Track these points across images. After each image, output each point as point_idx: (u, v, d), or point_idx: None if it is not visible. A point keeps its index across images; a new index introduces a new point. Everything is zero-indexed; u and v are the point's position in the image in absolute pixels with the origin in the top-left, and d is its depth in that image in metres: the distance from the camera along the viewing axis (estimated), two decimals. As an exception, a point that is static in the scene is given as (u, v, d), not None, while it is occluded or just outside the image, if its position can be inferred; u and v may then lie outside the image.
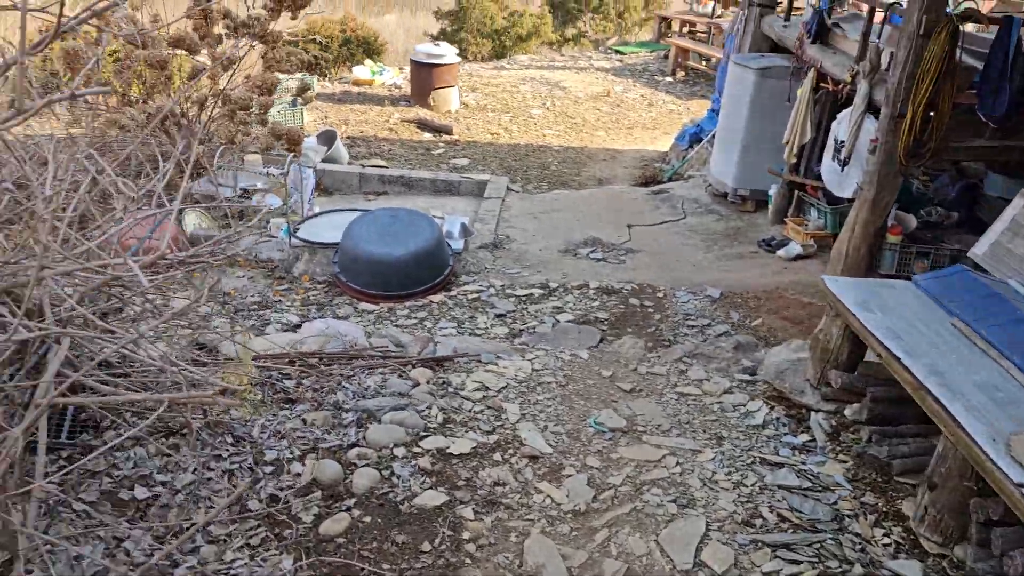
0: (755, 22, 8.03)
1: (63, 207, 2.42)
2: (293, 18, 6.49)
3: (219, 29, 6.81)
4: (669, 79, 12.85)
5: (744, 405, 4.19)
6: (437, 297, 5.70)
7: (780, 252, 6.80)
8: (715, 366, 4.61)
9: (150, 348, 3.35)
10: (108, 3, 2.28)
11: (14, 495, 2.33)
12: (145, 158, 5.15)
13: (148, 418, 3.51)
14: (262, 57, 6.78)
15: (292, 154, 6.24)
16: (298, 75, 7.79)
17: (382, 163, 8.72)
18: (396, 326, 5.21)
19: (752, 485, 3.55)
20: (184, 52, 6.26)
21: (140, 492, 3.16)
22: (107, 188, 2.53)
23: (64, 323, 2.52)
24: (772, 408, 4.16)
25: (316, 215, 6.57)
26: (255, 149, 6.32)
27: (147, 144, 5.35)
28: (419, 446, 3.60)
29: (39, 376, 2.99)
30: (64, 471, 2.91)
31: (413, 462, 3.49)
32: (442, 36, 15.02)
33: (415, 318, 5.38)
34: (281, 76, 7.01)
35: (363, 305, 5.57)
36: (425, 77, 10.40)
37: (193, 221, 5.90)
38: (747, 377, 4.47)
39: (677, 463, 3.66)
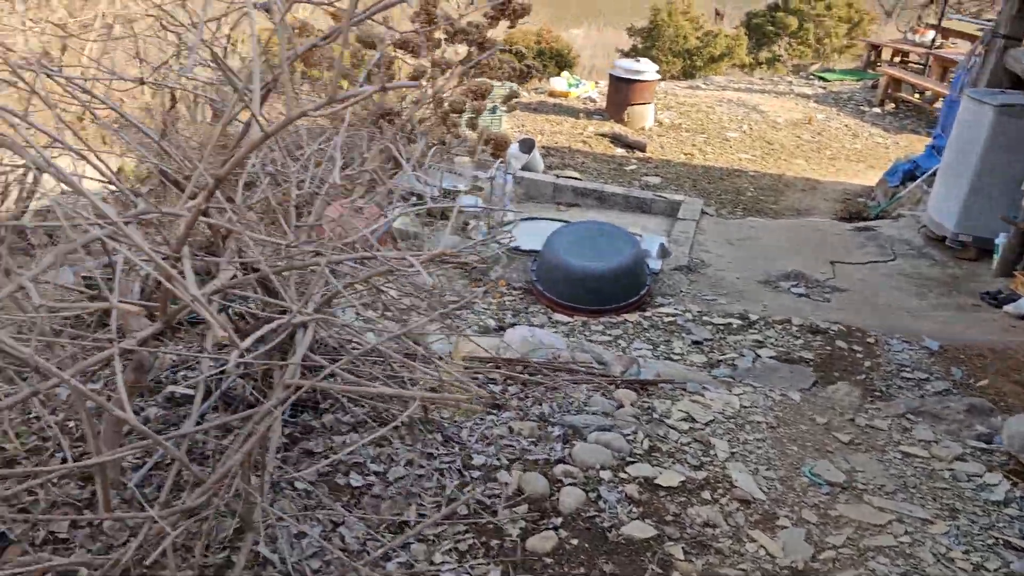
0: (997, 55, 7.36)
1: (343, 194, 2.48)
2: (511, 27, 6.57)
3: (439, 34, 7.01)
4: (876, 110, 12.07)
5: (980, 476, 3.76)
6: (632, 316, 5.56)
7: (1008, 307, 6.17)
8: (944, 427, 4.19)
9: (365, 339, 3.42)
10: None
11: (268, 471, 2.40)
12: (355, 152, 5.34)
13: (364, 406, 3.61)
14: (476, 64, 6.91)
15: (499, 159, 6.30)
16: (506, 83, 7.91)
17: (575, 175, 8.69)
18: (590, 341, 5.11)
19: (995, 570, 3.15)
20: (407, 54, 6.47)
21: (355, 479, 3.22)
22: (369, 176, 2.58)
23: (318, 309, 2.58)
24: (1015, 484, 3.70)
25: (515, 221, 6.61)
26: (462, 152, 6.44)
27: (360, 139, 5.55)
28: (625, 472, 3.47)
29: (277, 356, 3.11)
30: (329, 458, 2.99)
31: (620, 488, 3.36)
32: (633, 52, 14.91)
33: (609, 335, 5.27)
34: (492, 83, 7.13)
35: (557, 316, 5.53)
36: (623, 92, 10.30)
37: (401, 219, 6.08)
38: (982, 445, 4.03)
39: (905, 531, 3.32)
